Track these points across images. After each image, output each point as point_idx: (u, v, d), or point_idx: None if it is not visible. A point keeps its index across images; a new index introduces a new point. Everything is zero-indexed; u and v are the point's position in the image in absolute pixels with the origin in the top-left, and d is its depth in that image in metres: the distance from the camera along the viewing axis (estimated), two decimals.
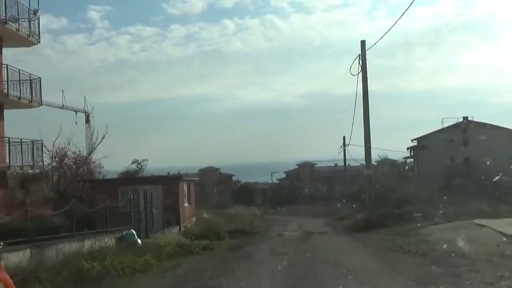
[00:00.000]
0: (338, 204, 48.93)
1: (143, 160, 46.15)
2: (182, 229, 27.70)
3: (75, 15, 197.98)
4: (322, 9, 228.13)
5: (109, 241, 19.48)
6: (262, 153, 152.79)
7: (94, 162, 38.54)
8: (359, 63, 27.33)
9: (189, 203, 30.94)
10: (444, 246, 16.25)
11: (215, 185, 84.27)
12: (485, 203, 37.76)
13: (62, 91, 58.10)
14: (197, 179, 33.10)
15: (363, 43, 27.58)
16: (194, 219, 31.04)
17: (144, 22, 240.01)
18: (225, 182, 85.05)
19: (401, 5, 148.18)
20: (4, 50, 24.34)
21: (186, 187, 30.41)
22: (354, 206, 35.79)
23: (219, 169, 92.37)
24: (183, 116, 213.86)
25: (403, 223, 25.68)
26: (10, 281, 4.00)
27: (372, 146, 28.37)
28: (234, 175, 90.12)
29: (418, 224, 24.00)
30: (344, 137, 49.80)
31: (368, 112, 27.64)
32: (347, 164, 53.80)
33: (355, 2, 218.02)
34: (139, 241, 20.33)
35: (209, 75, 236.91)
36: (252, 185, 74.89)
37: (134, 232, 20.66)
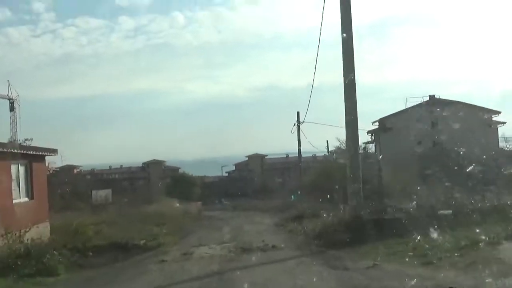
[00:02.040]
0: (292, 196, 34.90)
1: (26, 139, 36.23)
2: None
3: (18, 6, 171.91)
4: (270, 1, 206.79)
5: None
6: (213, 148, 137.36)
7: None
8: None
9: (31, 198, 15.00)
10: None
11: (159, 179, 69.68)
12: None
13: None
14: (53, 154, 16.37)
15: None
16: (44, 225, 14.85)
17: (91, 14, 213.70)
18: (170, 176, 69.57)
19: None
20: None
21: (21, 168, 14.49)
22: (320, 200, 21.26)
23: (164, 162, 77.52)
24: (130, 111, 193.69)
25: (427, 229, 11.29)
26: None
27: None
28: (180, 168, 75.13)
29: (485, 237, 9.47)
30: (298, 113, 35.59)
31: (352, 40, 13.21)
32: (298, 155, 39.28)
33: None
34: None
35: (159, 69, 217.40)
36: (190, 177, 59.59)
37: None
